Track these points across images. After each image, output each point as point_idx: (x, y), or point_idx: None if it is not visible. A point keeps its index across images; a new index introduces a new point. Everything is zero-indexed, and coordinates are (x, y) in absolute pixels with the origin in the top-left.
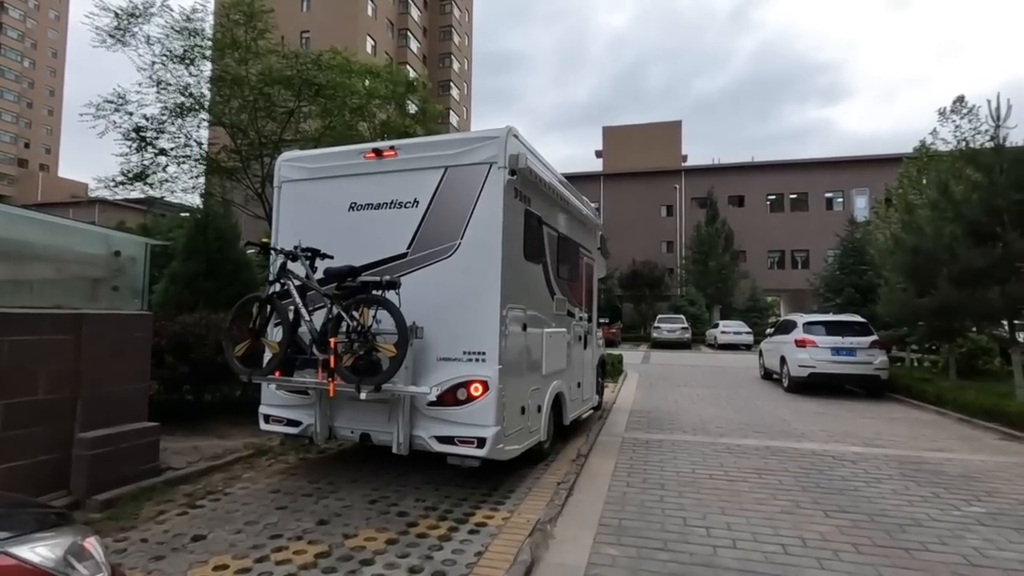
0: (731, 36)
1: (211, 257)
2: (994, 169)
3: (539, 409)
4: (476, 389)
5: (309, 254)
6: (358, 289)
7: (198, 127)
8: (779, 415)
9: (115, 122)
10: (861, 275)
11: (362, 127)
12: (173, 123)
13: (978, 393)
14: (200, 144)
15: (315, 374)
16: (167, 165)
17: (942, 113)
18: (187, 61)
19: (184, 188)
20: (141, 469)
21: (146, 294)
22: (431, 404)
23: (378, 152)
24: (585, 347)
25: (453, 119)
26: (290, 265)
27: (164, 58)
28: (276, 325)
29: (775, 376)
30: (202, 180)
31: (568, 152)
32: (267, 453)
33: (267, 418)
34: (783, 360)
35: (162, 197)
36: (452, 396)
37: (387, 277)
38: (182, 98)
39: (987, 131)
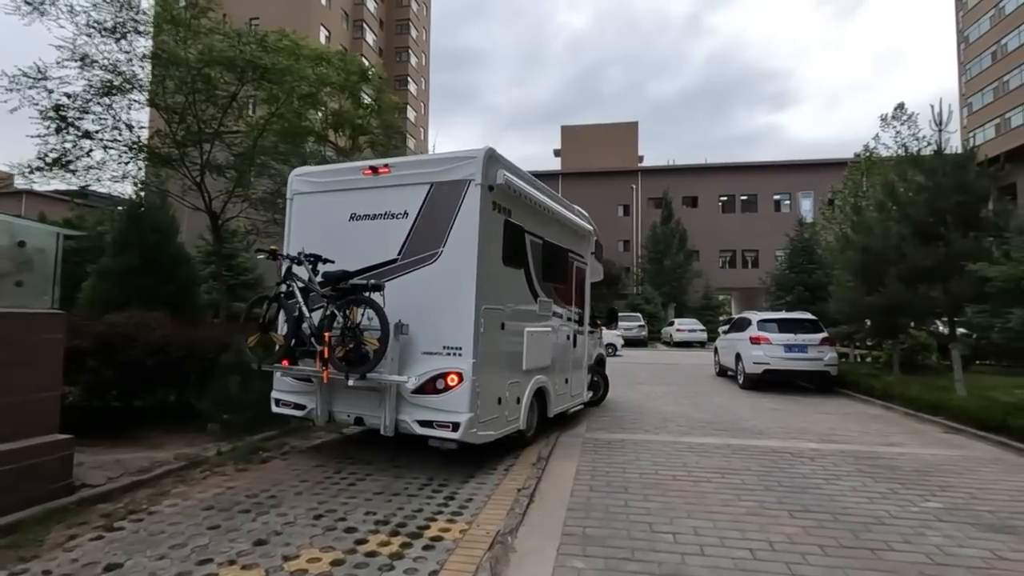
0: (686, 41)
1: (146, 251)
2: (937, 172)
3: (518, 401)
4: (452, 380)
5: (311, 259)
6: (349, 291)
7: (129, 109)
8: (737, 412)
9: (32, 98)
10: (810, 274)
11: (313, 116)
12: (99, 103)
13: (922, 388)
14: (131, 127)
15: (314, 364)
16: (91, 150)
17: (884, 119)
18: (117, 35)
19: (113, 176)
20: (50, 488)
21: (57, 290)
22: (415, 392)
23: (374, 169)
24: (575, 346)
25: (410, 115)
26: (295, 269)
27: (91, 30)
28: (284, 321)
29: (730, 373)
30: (133, 167)
31: (527, 151)
32: (202, 464)
33: (278, 402)
34: (738, 357)
35: (88, 186)
36: (432, 385)
37: (372, 281)
38: (110, 75)
39: (925, 136)
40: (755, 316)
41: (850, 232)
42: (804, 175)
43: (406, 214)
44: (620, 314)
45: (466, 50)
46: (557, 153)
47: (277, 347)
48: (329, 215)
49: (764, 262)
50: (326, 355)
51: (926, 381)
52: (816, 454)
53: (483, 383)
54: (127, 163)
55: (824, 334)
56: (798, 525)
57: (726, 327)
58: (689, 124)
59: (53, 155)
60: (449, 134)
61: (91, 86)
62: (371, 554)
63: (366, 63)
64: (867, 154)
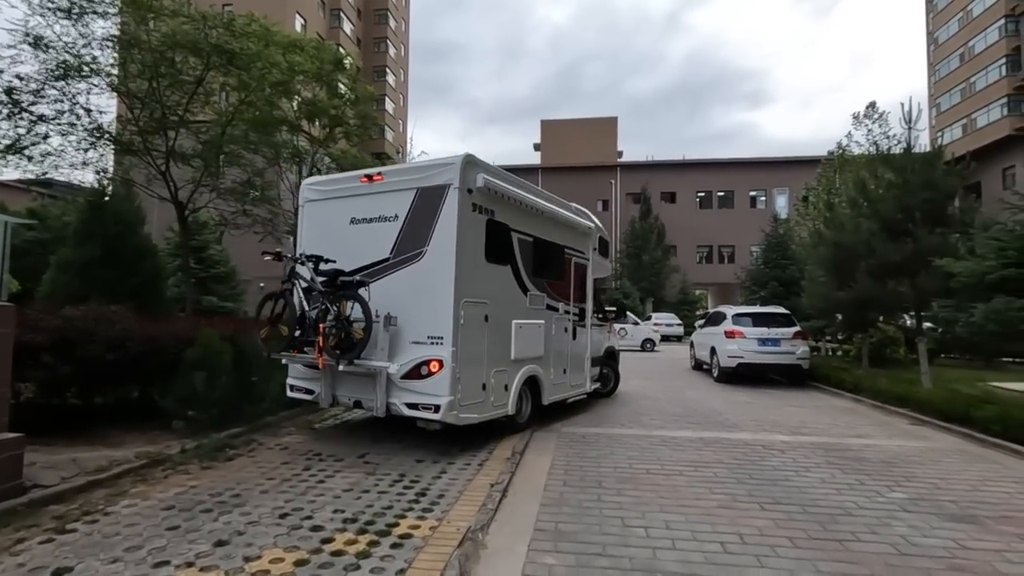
0: (665, 39)
1: (109, 243)
2: (907, 169)
3: (506, 388)
4: (434, 366)
5: (313, 259)
6: (340, 287)
7: (88, 93)
8: (711, 405)
9: None
10: (784, 269)
11: (285, 105)
12: (54, 86)
13: (890, 381)
14: (90, 112)
15: (313, 352)
16: (48, 135)
17: (856, 118)
18: (74, 16)
19: (73, 164)
20: None
21: (5, 282)
22: (402, 377)
23: (370, 177)
24: (574, 338)
25: (389, 106)
26: (298, 268)
27: (46, 10)
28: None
29: (705, 367)
30: (93, 155)
31: (508, 145)
32: (164, 463)
33: (291, 387)
34: (713, 351)
35: (46, 174)
36: (417, 371)
37: (357, 278)
38: (67, 58)
39: (895, 135)
40: (730, 310)
41: (823, 228)
42: (779, 172)
43: (396, 217)
44: (659, 313)
45: (445, 43)
46: (537, 147)
47: (286, 337)
48: (333, 219)
49: (740, 257)
50: (320, 344)
51: (894, 374)
52: (787, 446)
53: (464, 370)
54: (87, 150)
55: (797, 328)
56: (768, 517)
57: (702, 321)
58: (667, 121)
59: (6, 141)
60: (429, 127)
61: (46, 69)
62: (337, 553)
63: (341, 52)
64: (840, 152)
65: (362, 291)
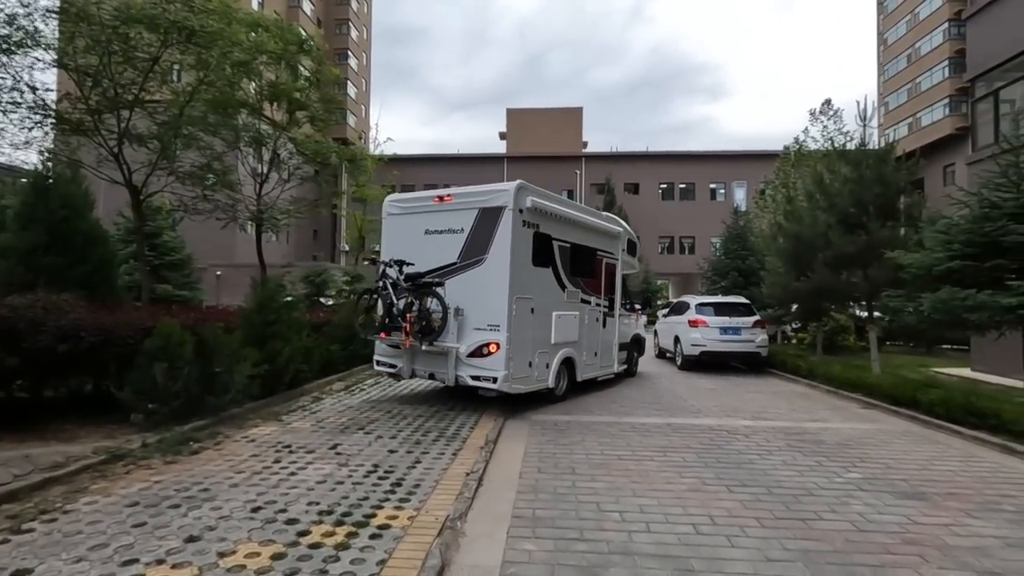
0: (630, 30)
1: (55, 228)
2: (861, 165)
3: (547, 366)
4: (493, 347)
5: (398, 263)
6: (422, 286)
7: (32, 69)
8: (676, 392)
9: None
10: (744, 260)
11: (246, 86)
12: None
13: (843, 367)
14: (35, 89)
15: (400, 335)
16: None
17: (813, 114)
18: None
19: (14, 144)
20: None
21: None
22: (468, 356)
23: (441, 198)
24: (604, 326)
25: (351, 91)
26: (388, 270)
27: None
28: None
29: (668, 355)
30: (35, 133)
31: (473, 132)
32: (124, 458)
33: (377, 362)
34: (677, 339)
35: None
36: (480, 351)
37: (436, 279)
38: (7, 30)
39: (848, 132)
40: (693, 300)
41: (783, 221)
42: (738, 166)
43: (462, 230)
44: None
45: (408, 26)
46: (503, 136)
47: (376, 323)
48: (411, 230)
49: (701, 248)
50: (407, 329)
51: (846, 361)
52: (750, 431)
53: (515, 351)
54: (31, 129)
55: (756, 317)
56: (736, 499)
57: (665, 311)
58: (631, 111)
59: None
60: (392, 112)
61: None
62: (315, 545)
63: (304, 33)
64: (796, 147)
65: (439, 289)
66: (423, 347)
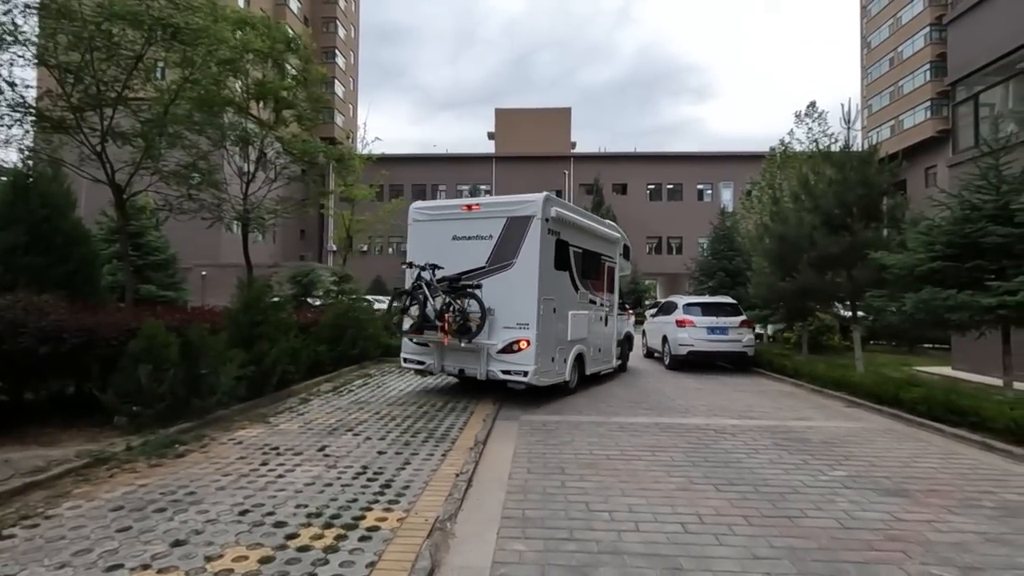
0: (617, 31)
1: (36, 227)
2: (845, 166)
3: (565, 361)
4: (524, 344)
5: (432, 267)
6: (460, 288)
7: (11, 65)
8: (664, 392)
9: None
10: (731, 260)
11: (232, 85)
12: None
13: (827, 366)
14: (13, 85)
15: (435, 333)
16: None
17: (798, 116)
18: None
19: None
20: None
21: None
22: (499, 352)
23: (469, 207)
24: (605, 325)
25: (339, 90)
26: (423, 273)
27: None
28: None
29: (656, 354)
30: (15, 131)
31: (461, 132)
32: (108, 461)
33: (405, 360)
34: (665, 339)
35: None
36: (510, 348)
37: (475, 282)
38: None
39: (833, 134)
40: (681, 300)
41: (768, 221)
42: (725, 166)
43: (491, 236)
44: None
45: (396, 25)
46: (491, 136)
47: (409, 322)
48: (438, 236)
49: (688, 248)
50: (446, 328)
51: (830, 360)
52: (737, 430)
53: (542, 347)
54: (10, 127)
55: (743, 317)
56: (724, 498)
57: (653, 311)
58: (619, 112)
59: None
60: (379, 111)
61: None
62: (303, 548)
63: (291, 31)
64: (782, 148)
65: (478, 292)
66: (461, 344)
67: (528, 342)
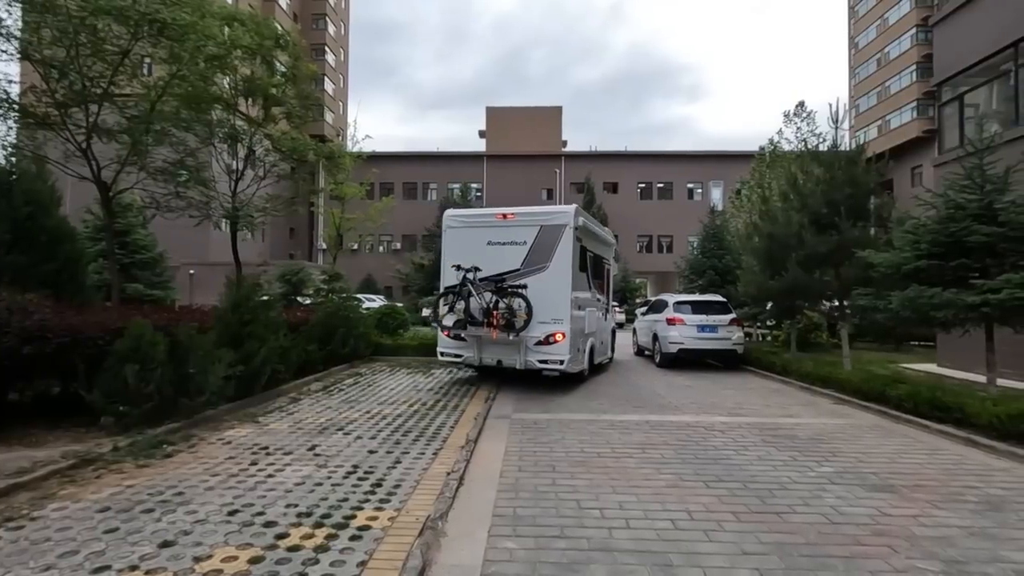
0: (609, 29)
1: (19, 225)
2: (833, 166)
3: (582, 351)
4: (559, 337)
5: (474, 269)
6: (506, 288)
7: None
8: (654, 390)
9: None
10: (720, 259)
11: (220, 81)
12: None
13: (815, 363)
14: None
15: (480, 329)
16: None
17: (787, 115)
18: None
19: None
20: None
21: None
22: (536, 344)
23: (504, 215)
24: (605, 319)
25: (328, 87)
26: (467, 275)
27: None
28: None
29: (647, 352)
30: (1, 128)
31: (451, 131)
32: (95, 462)
33: (442, 354)
34: (655, 337)
35: None
36: (547, 340)
37: (518, 282)
38: None
39: (821, 133)
40: (671, 298)
41: (757, 220)
42: (715, 165)
43: (525, 243)
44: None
45: (386, 22)
46: (482, 134)
47: (454, 319)
48: (473, 241)
49: (678, 247)
50: (495, 323)
51: (817, 357)
52: (726, 427)
53: (572, 339)
54: None
55: (733, 315)
56: (713, 495)
57: (643, 309)
58: (611, 110)
59: None
60: (369, 109)
61: None
62: (293, 548)
63: (280, 28)
64: (771, 148)
65: (524, 291)
66: (510, 337)
67: (564, 335)
